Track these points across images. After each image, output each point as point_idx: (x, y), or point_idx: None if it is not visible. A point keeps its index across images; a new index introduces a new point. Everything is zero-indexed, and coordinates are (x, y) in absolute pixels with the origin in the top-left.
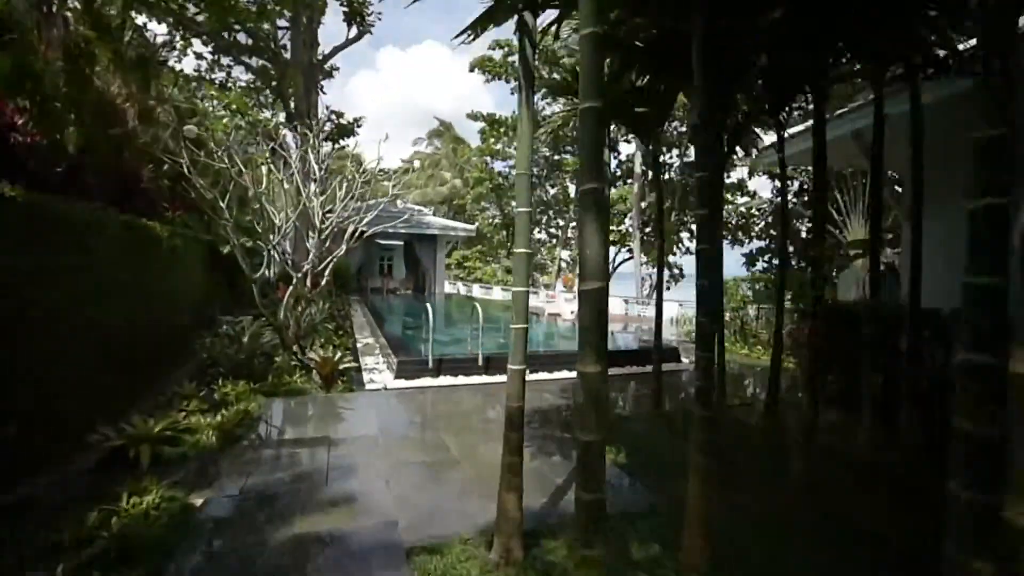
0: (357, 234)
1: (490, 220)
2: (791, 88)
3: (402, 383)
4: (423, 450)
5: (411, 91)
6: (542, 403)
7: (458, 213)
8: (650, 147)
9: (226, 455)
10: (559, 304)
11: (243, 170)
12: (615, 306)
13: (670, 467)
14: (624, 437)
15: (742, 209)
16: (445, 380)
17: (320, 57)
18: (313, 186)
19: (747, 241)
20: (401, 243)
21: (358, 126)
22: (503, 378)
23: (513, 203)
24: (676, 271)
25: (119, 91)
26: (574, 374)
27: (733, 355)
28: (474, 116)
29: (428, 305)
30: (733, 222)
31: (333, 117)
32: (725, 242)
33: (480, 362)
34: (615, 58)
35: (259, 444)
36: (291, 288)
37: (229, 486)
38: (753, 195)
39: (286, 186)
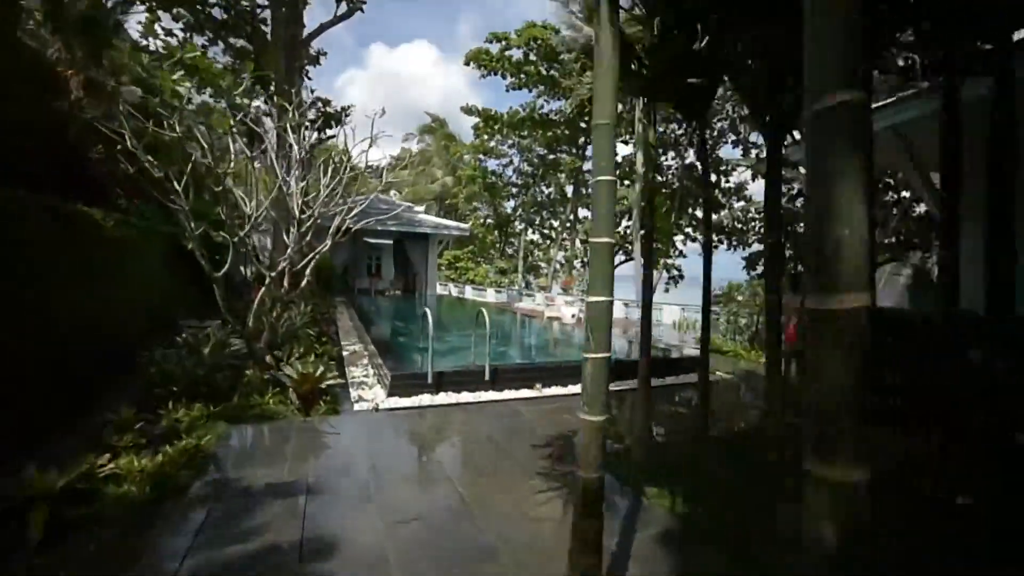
0: (343, 229)
1: (482, 220)
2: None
3: (396, 402)
4: (429, 499)
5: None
6: (563, 425)
7: (449, 212)
8: (695, 128)
9: (160, 516)
10: (559, 307)
11: (205, 145)
12: (616, 310)
13: (754, 522)
14: (679, 473)
15: (738, 213)
16: (447, 397)
17: (305, 36)
18: (294, 172)
19: (745, 245)
20: (390, 242)
21: (346, 115)
22: (514, 394)
23: (507, 204)
24: (675, 272)
25: (60, 56)
26: None
27: (748, 363)
28: (468, 110)
29: (427, 309)
30: (729, 226)
31: (319, 104)
32: (722, 246)
33: (487, 375)
34: (668, 11)
35: (209, 496)
36: (263, 289)
37: (149, 574)
38: (749, 199)
39: (257, 165)
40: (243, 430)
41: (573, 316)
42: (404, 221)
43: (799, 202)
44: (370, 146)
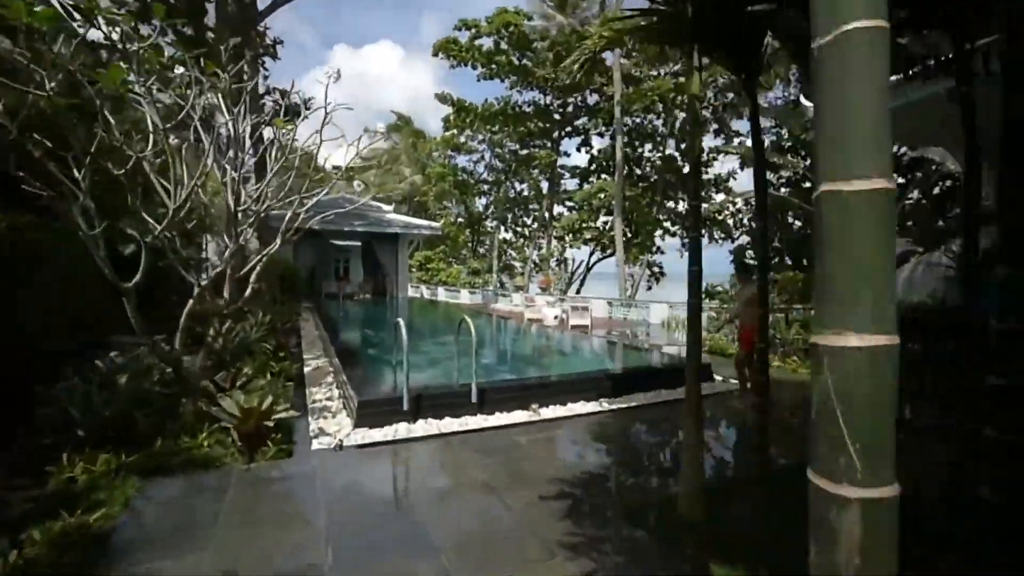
0: (295, 227)
1: (453, 219)
2: None
3: (365, 435)
4: None
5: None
6: (574, 461)
7: (419, 212)
8: (749, 78)
9: None
10: (539, 308)
11: (110, 120)
12: (598, 308)
13: None
14: (752, 536)
15: (718, 205)
16: (427, 427)
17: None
18: (233, 160)
19: (731, 238)
20: (359, 243)
21: (306, 107)
22: (507, 419)
23: (479, 201)
24: (656, 269)
25: None
26: (592, 407)
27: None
28: (443, 98)
29: (399, 320)
30: (711, 217)
31: (276, 95)
32: (704, 239)
33: (474, 397)
34: None
35: None
36: (190, 302)
37: None
38: (729, 192)
39: (182, 147)
40: (161, 488)
41: (556, 318)
42: (372, 221)
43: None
44: (324, 122)
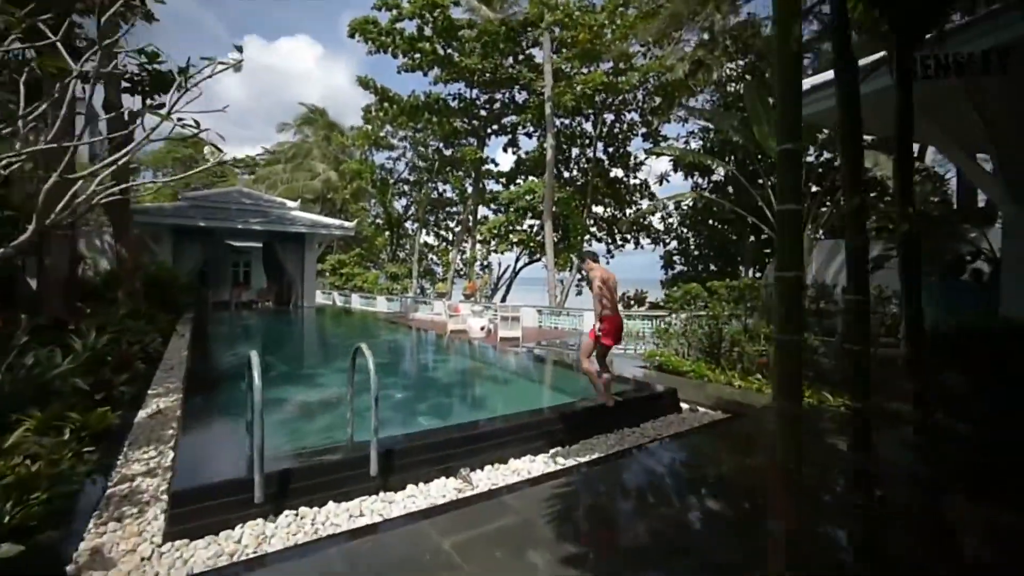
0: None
1: (371, 220)
2: None
3: (184, 553)
4: None
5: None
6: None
7: (335, 212)
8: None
9: None
10: (464, 318)
11: None
12: (528, 317)
13: None
14: None
15: (645, 210)
16: (294, 526)
17: None
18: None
19: (663, 242)
20: (260, 245)
21: (187, 78)
22: (423, 499)
23: (400, 202)
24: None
25: None
26: (543, 462)
27: (721, 387)
28: (365, 83)
29: (252, 353)
30: (647, 222)
31: (143, 59)
32: (628, 245)
33: (373, 467)
34: None
35: None
36: None
37: None
38: (652, 197)
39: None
40: None
41: (483, 329)
42: (273, 219)
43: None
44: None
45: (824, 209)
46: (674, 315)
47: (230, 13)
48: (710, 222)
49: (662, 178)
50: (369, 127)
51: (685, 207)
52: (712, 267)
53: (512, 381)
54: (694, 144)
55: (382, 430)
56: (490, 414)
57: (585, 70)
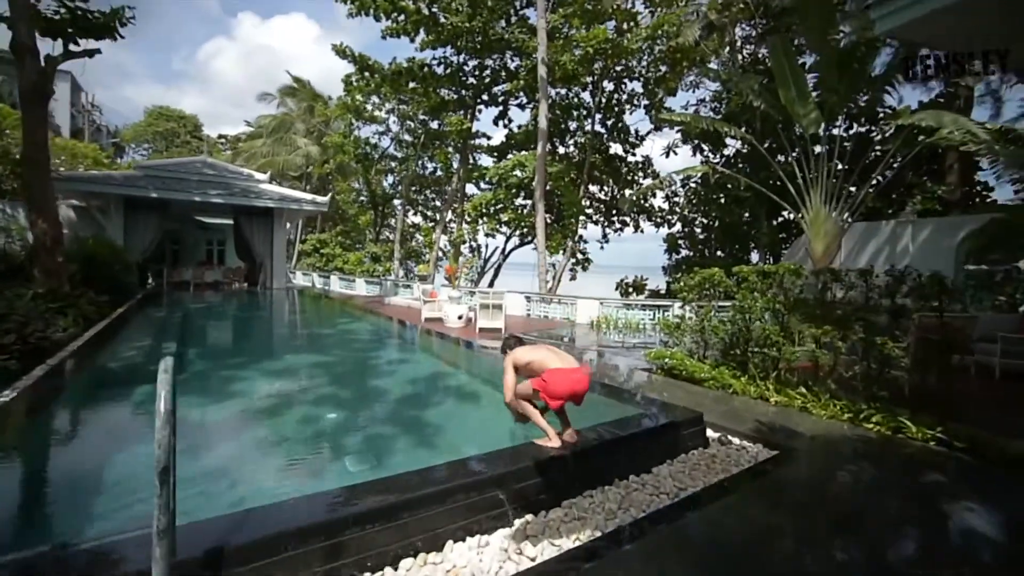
0: None
1: (353, 197)
2: None
3: None
4: None
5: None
6: None
7: (320, 190)
8: None
9: None
10: (440, 305)
11: None
12: (514, 305)
13: None
14: None
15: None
16: None
17: None
18: None
19: (667, 224)
20: (231, 222)
21: (122, 22)
22: None
23: (387, 180)
24: (580, 256)
25: None
26: (498, 546)
27: (751, 400)
28: (342, 51)
29: (165, 362)
30: (648, 204)
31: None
32: (628, 229)
33: None
34: None
35: None
36: None
37: None
38: (655, 176)
39: None
40: None
41: (460, 318)
42: (237, 192)
43: None
44: None
45: (853, 189)
46: (686, 306)
47: None
48: (721, 201)
49: (669, 149)
50: (348, 99)
51: (693, 183)
52: (720, 252)
53: (479, 395)
54: (705, 113)
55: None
56: (433, 452)
57: (585, 31)
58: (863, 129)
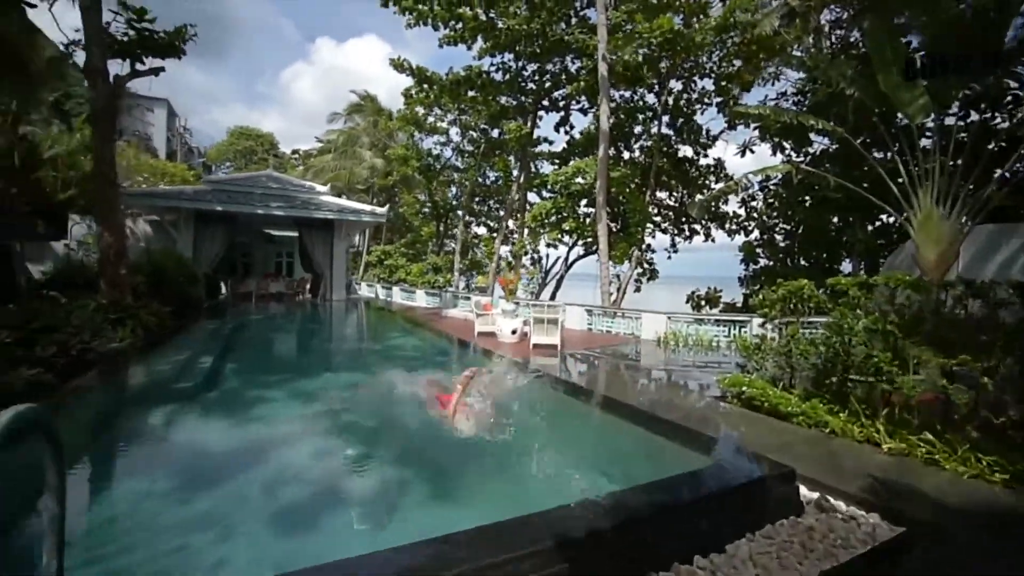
0: None
1: (418, 209)
2: None
3: None
4: None
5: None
6: None
7: (386, 202)
8: None
9: None
10: (494, 318)
11: None
12: (575, 318)
13: None
14: None
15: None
16: None
17: None
18: None
19: (743, 231)
20: (296, 234)
21: (184, 40)
22: None
23: (451, 190)
24: (647, 267)
25: None
26: None
27: (856, 444)
28: (399, 65)
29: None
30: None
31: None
32: (698, 237)
33: None
34: None
35: None
36: None
37: None
38: (728, 179)
39: None
40: None
41: (514, 332)
42: (298, 204)
43: None
44: None
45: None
46: (767, 323)
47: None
48: (806, 204)
49: (744, 148)
50: (409, 111)
51: (772, 186)
52: (804, 261)
53: (526, 428)
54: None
55: None
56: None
57: (648, 25)
58: (983, 116)
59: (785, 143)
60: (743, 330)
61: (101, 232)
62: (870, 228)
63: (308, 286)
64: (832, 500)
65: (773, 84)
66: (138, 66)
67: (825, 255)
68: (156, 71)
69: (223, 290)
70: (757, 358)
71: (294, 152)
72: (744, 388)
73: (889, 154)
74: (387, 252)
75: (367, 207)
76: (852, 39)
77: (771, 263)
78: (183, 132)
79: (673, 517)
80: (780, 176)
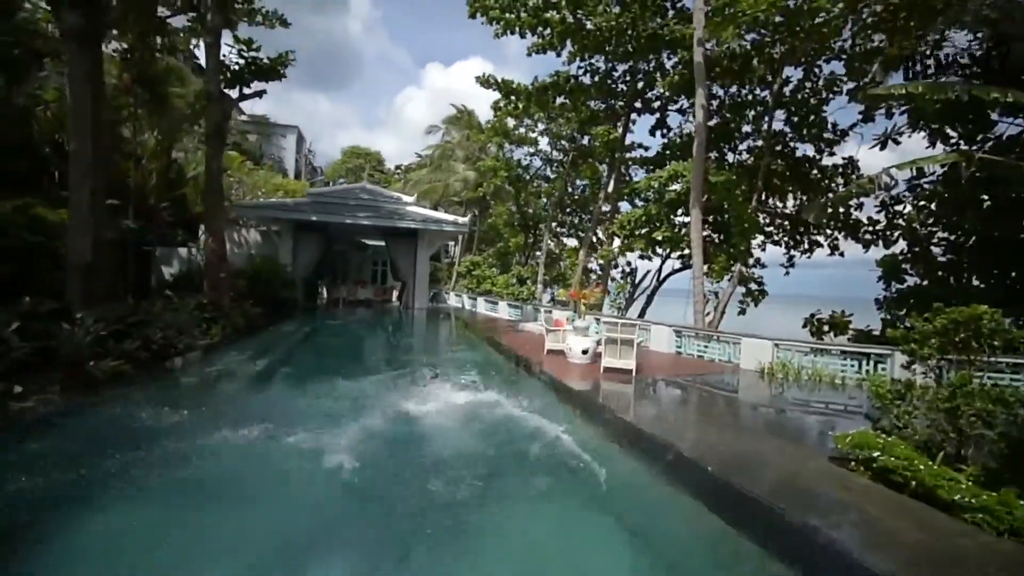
0: None
1: (507, 220)
2: None
3: None
4: None
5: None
6: None
7: (479, 214)
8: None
9: None
10: (564, 335)
11: None
12: (661, 339)
13: None
14: None
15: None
16: None
17: None
18: None
19: (883, 243)
20: (384, 244)
21: (284, 65)
22: None
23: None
24: (754, 286)
25: None
26: None
27: None
28: (484, 81)
29: None
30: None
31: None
32: (821, 248)
33: None
34: None
35: None
36: None
37: None
38: (860, 175)
39: None
40: None
41: (586, 352)
42: (383, 214)
43: None
44: None
45: None
46: (918, 363)
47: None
48: (983, 207)
49: (885, 139)
50: (498, 123)
51: (928, 185)
52: (977, 281)
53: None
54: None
55: None
56: None
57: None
58: None
59: (949, 129)
60: (880, 367)
61: (207, 239)
62: None
63: (396, 293)
64: None
65: (929, 56)
66: (244, 90)
67: (1014, 274)
68: (260, 93)
69: (322, 295)
70: (900, 411)
71: (397, 167)
72: (876, 453)
73: None
74: (476, 263)
75: (449, 217)
76: None
77: (923, 282)
78: (308, 154)
79: None
80: (940, 171)
